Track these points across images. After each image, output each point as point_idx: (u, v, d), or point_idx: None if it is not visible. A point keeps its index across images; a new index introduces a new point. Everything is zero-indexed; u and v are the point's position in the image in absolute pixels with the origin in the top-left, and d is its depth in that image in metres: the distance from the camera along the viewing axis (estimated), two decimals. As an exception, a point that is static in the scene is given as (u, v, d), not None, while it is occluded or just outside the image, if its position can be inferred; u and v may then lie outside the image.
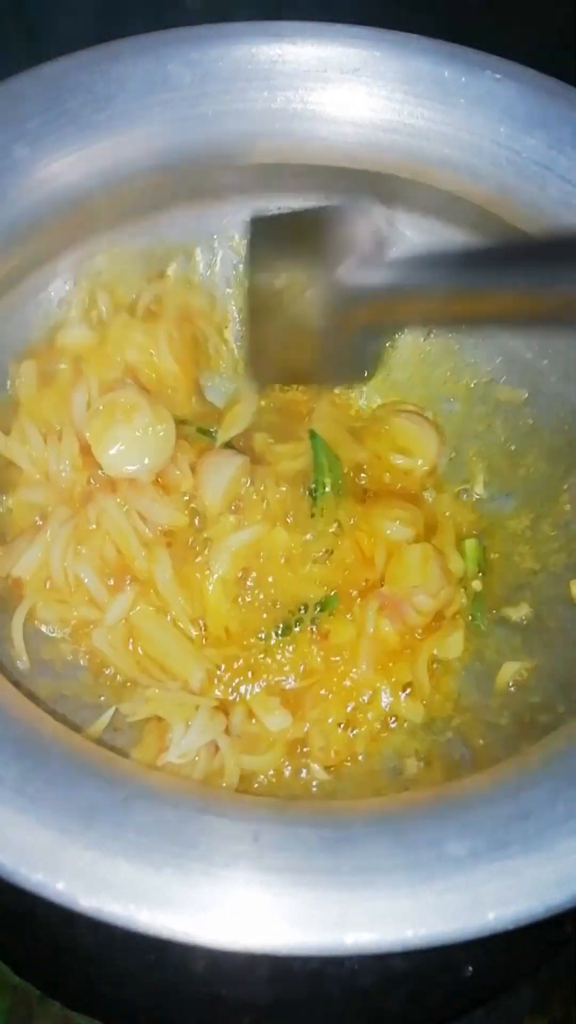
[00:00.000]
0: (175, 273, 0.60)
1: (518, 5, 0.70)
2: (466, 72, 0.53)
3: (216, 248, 0.60)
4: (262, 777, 0.50)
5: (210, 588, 0.52)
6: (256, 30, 0.54)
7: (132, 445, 0.51)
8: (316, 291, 0.43)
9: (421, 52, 0.54)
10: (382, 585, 0.53)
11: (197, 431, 0.57)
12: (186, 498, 0.54)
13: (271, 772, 0.50)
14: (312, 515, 0.54)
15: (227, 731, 0.49)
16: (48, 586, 0.52)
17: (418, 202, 0.58)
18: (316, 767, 0.50)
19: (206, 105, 0.53)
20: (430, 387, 0.62)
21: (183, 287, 0.59)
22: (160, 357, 0.56)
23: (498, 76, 0.53)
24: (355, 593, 0.53)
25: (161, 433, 0.52)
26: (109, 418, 0.51)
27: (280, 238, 0.46)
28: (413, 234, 0.59)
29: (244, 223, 0.47)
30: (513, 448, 0.59)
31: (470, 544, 0.56)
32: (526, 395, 0.58)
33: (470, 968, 0.49)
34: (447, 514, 0.57)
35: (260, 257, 0.45)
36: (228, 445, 0.57)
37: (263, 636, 0.53)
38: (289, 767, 0.50)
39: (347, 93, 0.54)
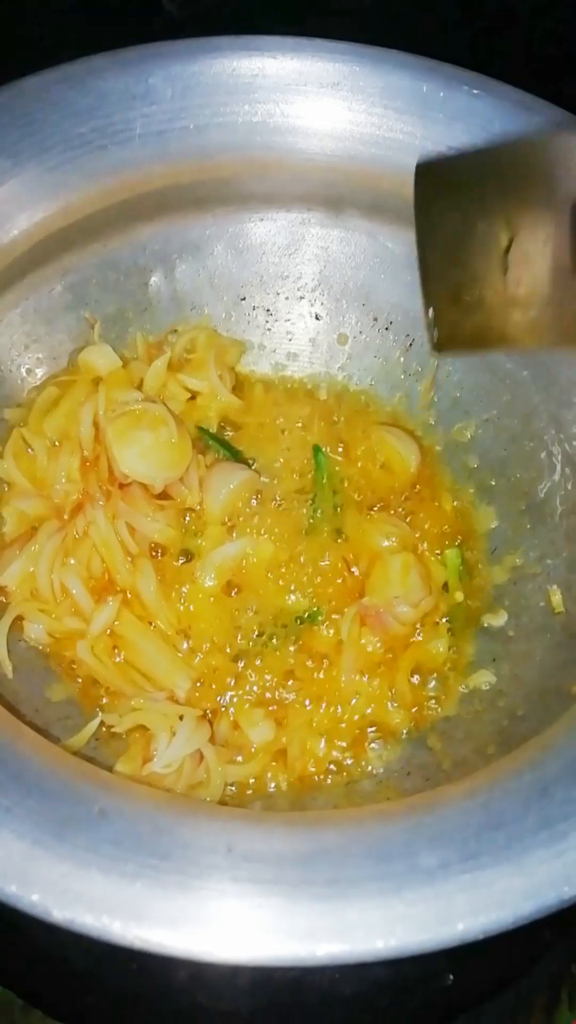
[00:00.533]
0: (157, 283, 0.60)
1: (495, 21, 0.71)
2: (445, 87, 0.54)
3: (198, 258, 0.60)
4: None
5: (195, 598, 0.53)
6: (237, 44, 0.55)
7: (151, 451, 0.52)
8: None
9: (400, 67, 0.54)
10: (363, 596, 0.54)
11: (211, 439, 0.58)
12: (189, 515, 0.55)
13: (252, 781, 0.50)
14: (306, 532, 0.55)
15: (212, 740, 0.49)
16: (34, 596, 0.52)
17: (399, 214, 0.58)
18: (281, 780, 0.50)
19: (187, 118, 0.54)
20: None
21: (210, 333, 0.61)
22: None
23: (475, 91, 0.54)
24: (336, 604, 0.54)
25: (180, 449, 0.53)
26: (136, 422, 0.52)
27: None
28: (394, 246, 0.60)
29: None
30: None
31: (450, 554, 0.57)
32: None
33: (451, 976, 0.50)
34: (426, 526, 0.58)
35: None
36: (239, 459, 0.58)
37: (248, 645, 0.53)
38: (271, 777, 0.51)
39: (327, 107, 0.55)
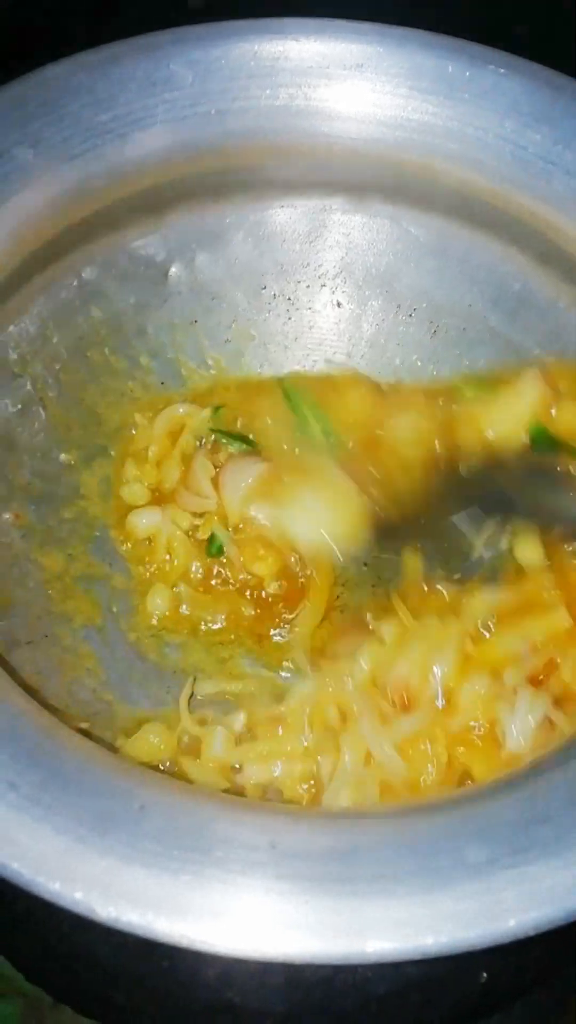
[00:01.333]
0: (177, 273, 0.59)
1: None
2: (470, 66, 0.53)
3: (218, 247, 0.60)
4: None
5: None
6: (258, 27, 0.54)
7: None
8: None
9: (424, 47, 0.54)
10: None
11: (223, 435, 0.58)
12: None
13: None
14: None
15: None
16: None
17: (423, 198, 0.57)
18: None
19: (208, 104, 0.53)
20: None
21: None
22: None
23: (502, 70, 0.53)
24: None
25: None
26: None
27: None
28: (418, 231, 0.59)
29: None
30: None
31: None
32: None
33: (485, 975, 0.49)
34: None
35: None
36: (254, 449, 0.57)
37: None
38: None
39: (351, 89, 0.54)
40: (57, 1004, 0.51)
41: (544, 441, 0.52)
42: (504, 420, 0.54)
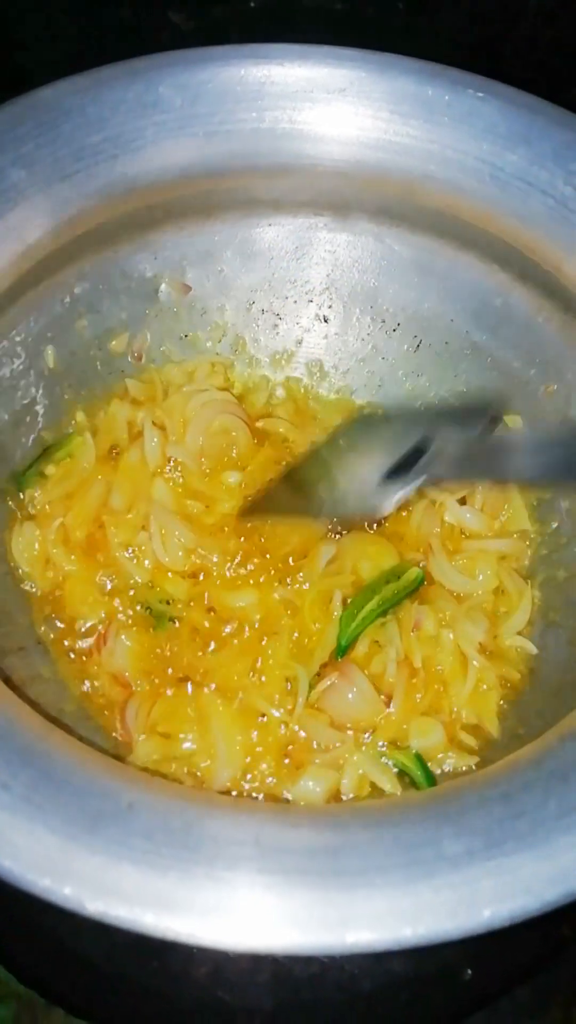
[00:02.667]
0: (168, 290, 0.61)
1: (503, 25, 0.72)
2: (449, 91, 0.55)
3: (208, 264, 0.61)
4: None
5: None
6: (243, 53, 0.56)
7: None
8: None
9: (405, 72, 0.55)
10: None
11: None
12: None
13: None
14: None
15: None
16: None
17: (406, 217, 0.59)
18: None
19: (197, 126, 0.54)
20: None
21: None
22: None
23: (480, 94, 0.55)
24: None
25: None
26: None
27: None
28: (401, 249, 0.61)
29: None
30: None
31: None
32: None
33: (469, 972, 0.50)
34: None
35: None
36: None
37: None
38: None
39: (334, 112, 0.55)
40: (50, 1006, 0.52)
41: None
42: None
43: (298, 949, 0.34)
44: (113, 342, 0.60)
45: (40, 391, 0.56)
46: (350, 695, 0.51)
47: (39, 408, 0.56)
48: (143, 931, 0.33)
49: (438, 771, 0.50)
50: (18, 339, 0.54)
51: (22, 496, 0.55)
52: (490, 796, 0.37)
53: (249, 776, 0.48)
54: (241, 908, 0.34)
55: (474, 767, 0.49)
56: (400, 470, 0.47)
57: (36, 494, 0.55)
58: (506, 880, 0.34)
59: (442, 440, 0.47)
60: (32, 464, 0.56)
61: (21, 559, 0.53)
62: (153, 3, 0.71)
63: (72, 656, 0.52)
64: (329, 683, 0.51)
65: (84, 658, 0.52)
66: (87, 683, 0.52)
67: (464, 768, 0.50)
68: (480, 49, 0.61)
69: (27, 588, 0.53)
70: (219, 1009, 0.49)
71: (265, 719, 0.50)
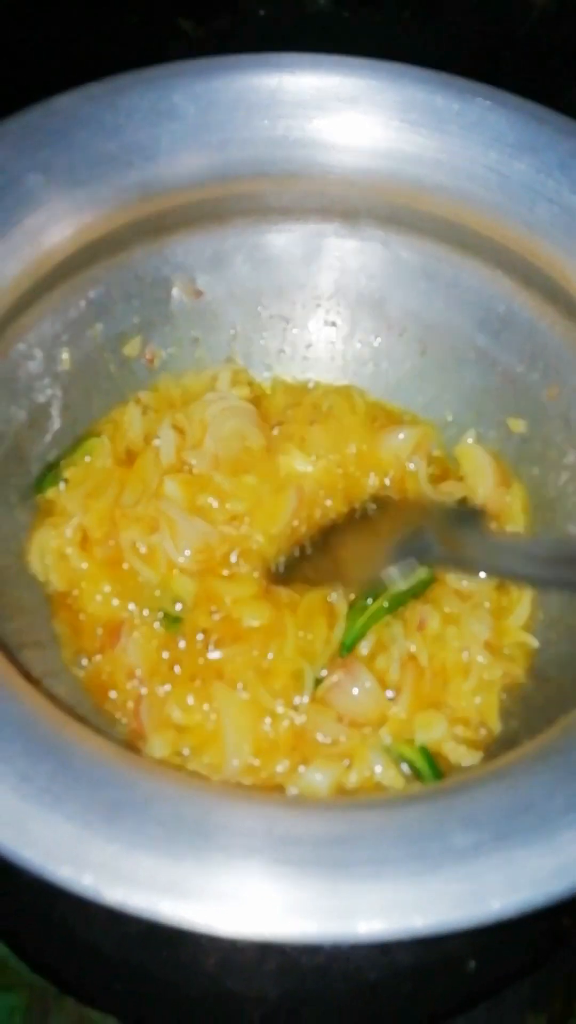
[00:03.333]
0: (179, 295, 0.62)
1: (508, 31, 0.73)
2: (458, 100, 0.56)
3: (219, 270, 0.62)
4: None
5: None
6: (256, 62, 0.57)
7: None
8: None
9: (415, 81, 0.56)
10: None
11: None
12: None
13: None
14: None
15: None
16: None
17: (414, 225, 0.60)
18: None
19: (210, 134, 0.55)
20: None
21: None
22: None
23: (488, 103, 0.56)
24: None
25: None
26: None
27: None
28: (408, 255, 0.62)
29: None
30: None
31: None
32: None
33: (473, 963, 0.51)
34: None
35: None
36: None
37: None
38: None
39: (345, 121, 0.56)
40: (61, 995, 0.53)
41: None
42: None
43: (310, 938, 0.35)
44: (126, 346, 0.61)
45: (56, 392, 0.57)
46: (355, 691, 0.52)
47: (54, 410, 0.57)
48: (160, 919, 0.34)
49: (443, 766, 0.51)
50: (35, 341, 0.55)
51: (40, 496, 0.56)
52: (497, 789, 0.38)
53: (257, 763, 0.49)
54: (254, 897, 0.35)
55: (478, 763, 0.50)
56: (406, 552, 0.51)
57: (54, 494, 0.56)
58: (514, 872, 0.35)
59: (440, 532, 0.51)
60: (51, 465, 0.57)
61: (39, 558, 0.54)
62: (162, 10, 0.72)
63: (86, 658, 0.53)
64: (335, 679, 0.52)
65: (98, 656, 0.53)
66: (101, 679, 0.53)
67: (469, 763, 0.50)
68: (485, 55, 0.62)
69: (44, 585, 0.55)
70: (227, 998, 0.50)
71: (270, 718, 0.51)
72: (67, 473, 0.57)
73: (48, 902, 0.49)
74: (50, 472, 0.57)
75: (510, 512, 0.59)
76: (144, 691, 0.52)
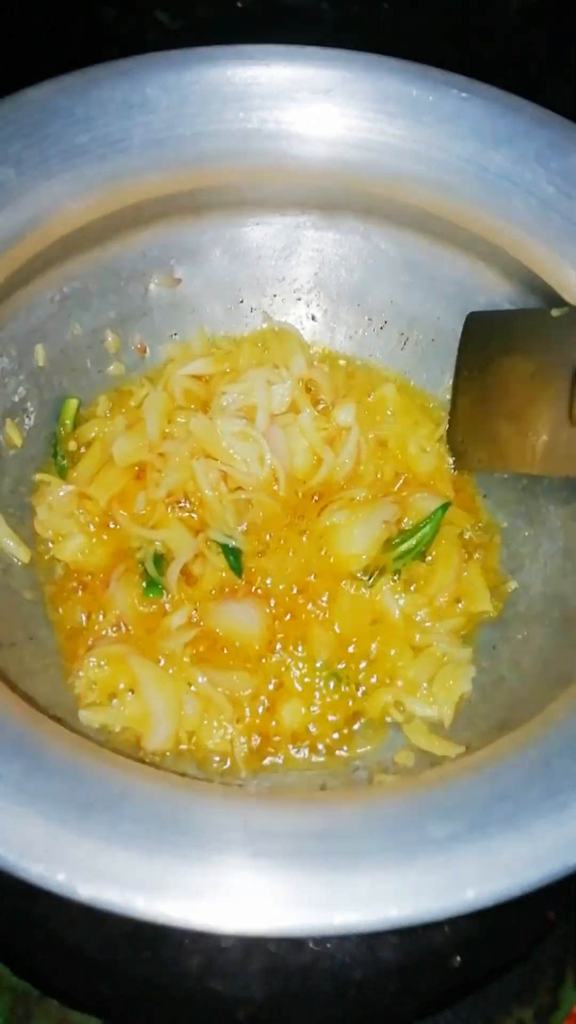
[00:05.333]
0: (157, 288, 0.61)
1: (487, 24, 0.73)
2: (434, 91, 0.56)
3: (196, 263, 0.62)
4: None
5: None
6: (230, 54, 0.56)
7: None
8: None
9: (390, 72, 0.56)
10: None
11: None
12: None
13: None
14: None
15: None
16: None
17: (392, 216, 0.60)
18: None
19: (184, 127, 0.55)
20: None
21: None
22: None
23: (464, 94, 0.55)
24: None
25: None
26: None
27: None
28: (387, 247, 0.61)
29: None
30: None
31: None
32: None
33: (458, 958, 0.51)
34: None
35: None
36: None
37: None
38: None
39: (319, 112, 0.56)
40: (44, 997, 0.52)
41: None
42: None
43: (287, 931, 0.34)
44: (106, 342, 0.60)
45: (30, 388, 0.57)
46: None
47: (30, 405, 0.57)
48: (135, 915, 0.34)
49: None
50: (8, 338, 0.55)
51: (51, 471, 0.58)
52: (474, 780, 0.37)
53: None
54: (231, 891, 0.35)
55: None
56: None
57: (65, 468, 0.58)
58: (489, 862, 0.35)
59: None
60: (58, 442, 0.58)
61: (46, 525, 0.55)
62: (139, 3, 0.72)
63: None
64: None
65: (81, 592, 0.55)
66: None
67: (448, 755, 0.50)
68: (465, 48, 0.61)
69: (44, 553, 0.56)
70: (212, 999, 0.49)
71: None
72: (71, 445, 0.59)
73: (29, 903, 0.48)
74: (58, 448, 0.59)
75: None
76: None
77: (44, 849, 0.35)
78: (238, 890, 0.35)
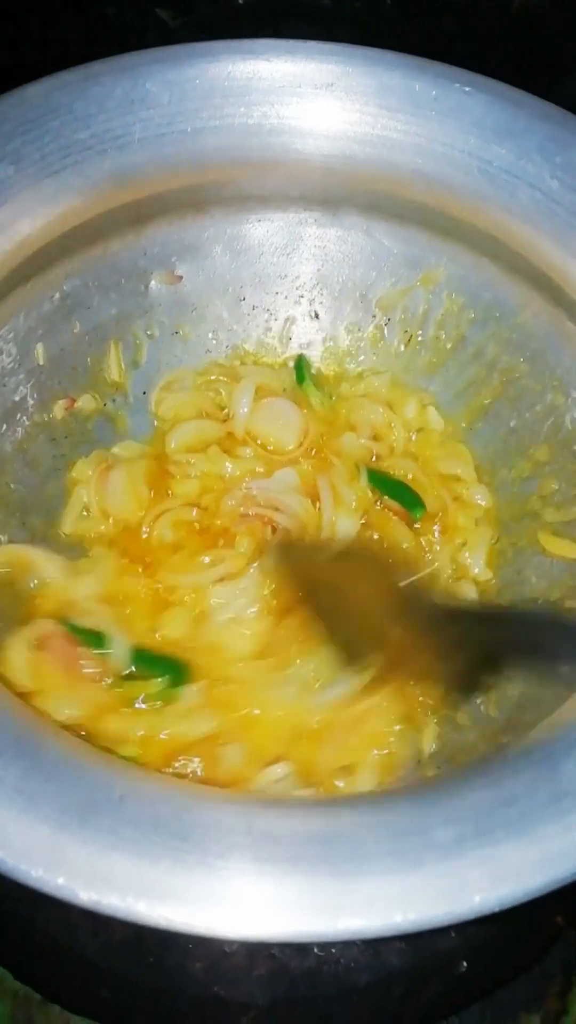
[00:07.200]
0: (158, 285, 0.61)
1: (489, 18, 0.72)
2: (436, 85, 0.55)
3: (198, 260, 0.61)
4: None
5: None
6: (231, 48, 0.56)
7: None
8: None
9: (392, 66, 0.55)
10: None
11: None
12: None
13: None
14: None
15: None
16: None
17: (395, 212, 0.59)
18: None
19: (185, 122, 0.55)
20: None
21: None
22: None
23: (467, 88, 0.55)
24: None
25: None
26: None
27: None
28: (391, 243, 0.61)
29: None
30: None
31: None
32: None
33: (465, 964, 0.50)
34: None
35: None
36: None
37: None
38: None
39: (321, 107, 0.55)
40: (46, 1002, 0.52)
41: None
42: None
43: (291, 936, 0.34)
44: (106, 341, 0.60)
45: (30, 387, 0.56)
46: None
47: (29, 403, 0.56)
48: (136, 920, 0.34)
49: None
50: (8, 336, 0.54)
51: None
52: (480, 784, 0.37)
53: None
54: (233, 896, 0.34)
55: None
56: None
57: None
58: (495, 867, 0.34)
59: None
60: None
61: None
62: (140, 0, 0.71)
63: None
64: None
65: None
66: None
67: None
68: (466, 43, 0.61)
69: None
70: (215, 1004, 0.49)
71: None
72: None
73: (31, 908, 0.48)
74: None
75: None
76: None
77: (43, 852, 0.34)
78: (241, 895, 0.34)
